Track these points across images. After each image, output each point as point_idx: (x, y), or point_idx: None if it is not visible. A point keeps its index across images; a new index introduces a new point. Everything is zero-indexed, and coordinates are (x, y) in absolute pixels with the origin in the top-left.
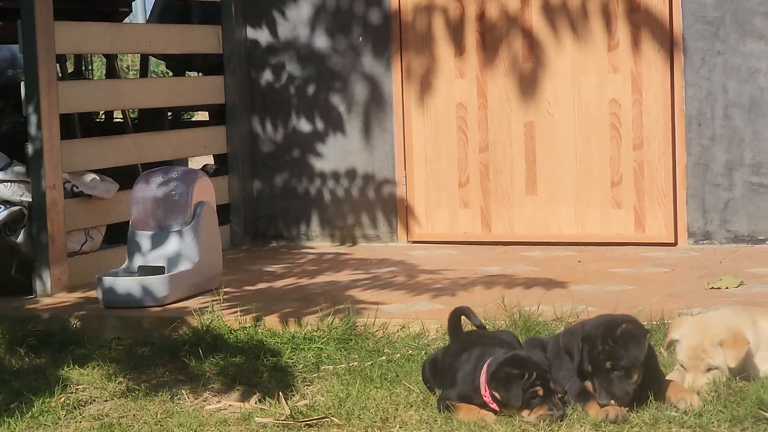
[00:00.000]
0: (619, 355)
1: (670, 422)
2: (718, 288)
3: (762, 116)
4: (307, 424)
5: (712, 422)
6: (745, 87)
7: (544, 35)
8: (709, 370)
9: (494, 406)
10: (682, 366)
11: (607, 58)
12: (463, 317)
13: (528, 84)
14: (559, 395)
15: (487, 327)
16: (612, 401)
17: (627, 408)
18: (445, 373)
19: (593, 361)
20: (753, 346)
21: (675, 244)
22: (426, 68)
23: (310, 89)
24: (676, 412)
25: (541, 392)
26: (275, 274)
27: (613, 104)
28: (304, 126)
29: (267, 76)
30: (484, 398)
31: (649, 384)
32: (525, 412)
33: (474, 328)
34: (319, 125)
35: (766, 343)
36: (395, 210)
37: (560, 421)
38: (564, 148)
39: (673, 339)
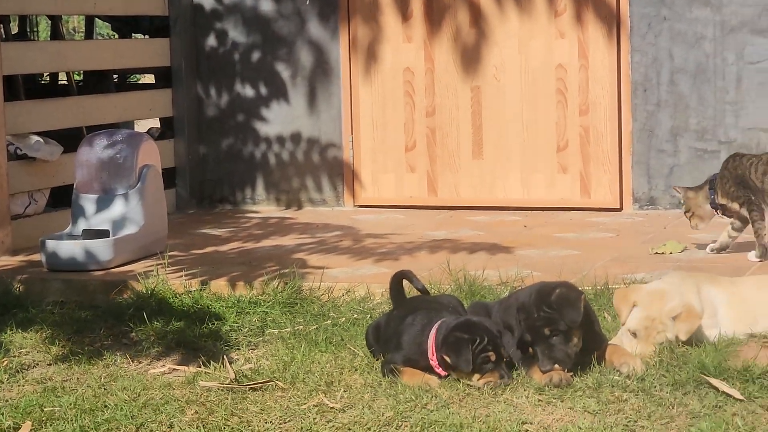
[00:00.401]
0: (556, 320)
1: (613, 386)
2: (662, 253)
3: (707, 82)
4: (251, 388)
5: (655, 386)
6: (691, 53)
7: (491, 1)
8: (659, 342)
9: (440, 370)
10: (633, 334)
11: (554, 24)
12: (405, 281)
13: (475, 49)
14: (505, 359)
15: (432, 291)
16: (555, 366)
17: (571, 373)
18: (390, 337)
19: (531, 330)
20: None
21: (620, 209)
22: (373, 33)
23: (256, 54)
24: (619, 376)
25: (493, 357)
26: (221, 238)
27: (559, 69)
28: (250, 90)
29: (212, 39)
30: (431, 363)
31: (591, 348)
32: (475, 377)
33: (417, 292)
34: (265, 90)
35: (710, 309)
36: (341, 174)
37: (506, 387)
38: (510, 113)
39: (634, 302)
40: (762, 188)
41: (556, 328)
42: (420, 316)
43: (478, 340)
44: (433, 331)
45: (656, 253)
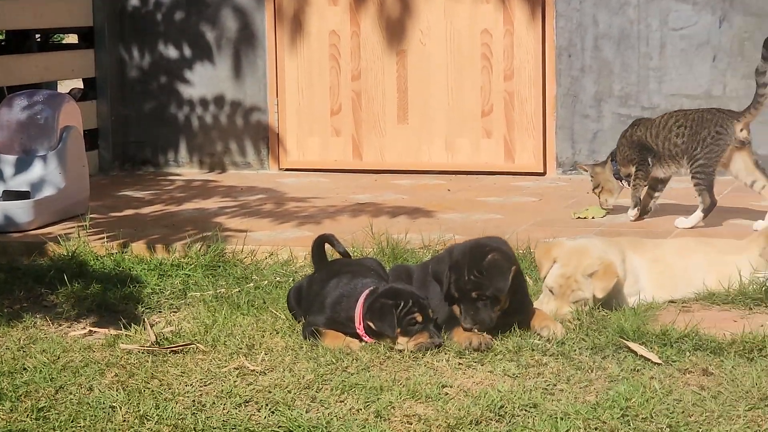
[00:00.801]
0: (484, 286)
1: (533, 350)
2: (584, 218)
3: (631, 48)
4: (172, 351)
5: (575, 350)
6: (615, 19)
7: None
8: (576, 300)
9: (368, 338)
10: (550, 291)
11: None
12: (327, 245)
13: (401, 13)
14: (433, 320)
15: (354, 254)
16: (476, 327)
17: (491, 336)
18: (313, 300)
19: (460, 290)
20: (621, 278)
21: (544, 173)
22: None
23: (180, 15)
24: (539, 339)
25: (420, 318)
26: (143, 200)
27: (485, 35)
28: (173, 52)
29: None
30: (358, 330)
31: (516, 311)
32: (404, 340)
33: (339, 255)
34: (189, 51)
35: (633, 276)
36: (266, 138)
37: (436, 348)
38: (436, 78)
39: (554, 259)
40: (660, 151)
41: (483, 294)
42: (344, 280)
43: (402, 304)
44: (361, 299)
45: (578, 217)
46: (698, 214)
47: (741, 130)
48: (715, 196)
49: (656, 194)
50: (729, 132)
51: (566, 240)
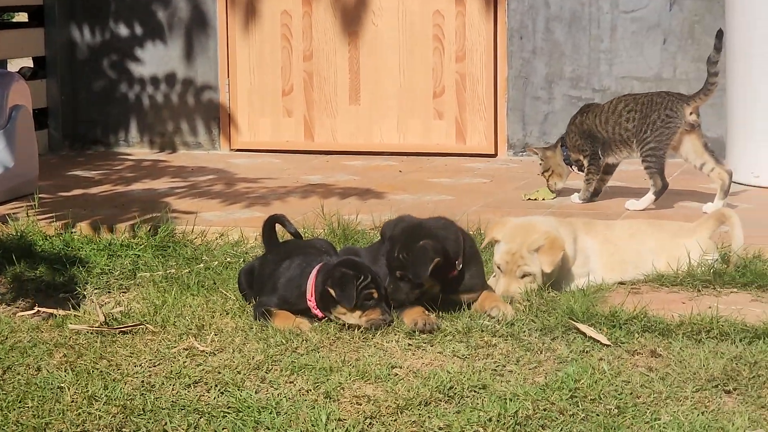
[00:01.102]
0: (406, 268)
1: (482, 331)
2: (535, 199)
3: (582, 30)
4: (121, 331)
5: (524, 331)
6: (566, 1)
7: None
8: (524, 276)
9: (318, 312)
10: (498, 268)
11: None
12: (278, 225)
13: None
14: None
15: (306, 235)
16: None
17: (435, 317)
18: (265, 280)
19: (388, 263)
20: (571, 258)
21: (495, 155)
22: None
23: None
24: (489, 321)
25: (375, 294)
26: (93, 180)
27: (437, 16)
28: (124, 30)
29: None
30: (309, 304)
31: (468, 289)
32: (357, 313)
33: (290, 236)
34: (140, 30)
35: (584, 256)
36: (217, 118)
37: (387, 326)
38: (387, 59)
39: (494, 239)
40: (611, 137)
41: (405, 275)
42: (297, 260)
43: (362, 278)
44: (314, 272)
45: (529, 199)
46: (650, 196)
47: (690, 113)
48: (666, 178)
49: (608, 178)
50: (679, 115)
51: (513, 218)
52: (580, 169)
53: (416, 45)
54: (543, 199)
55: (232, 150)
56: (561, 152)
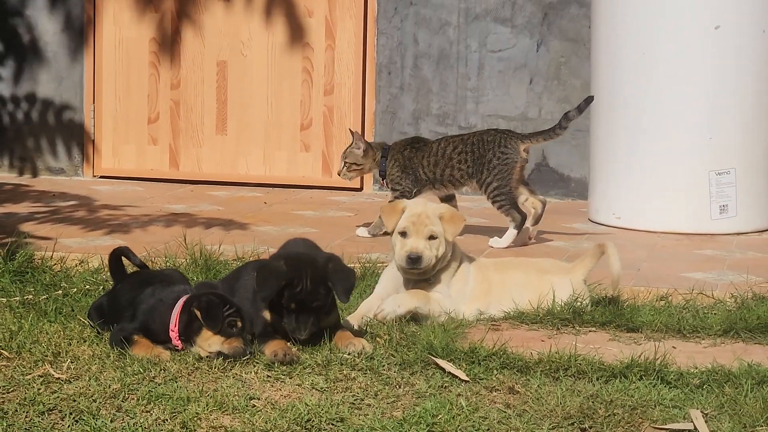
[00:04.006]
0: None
1: (342, 364)
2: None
3: (450, 68)
4: None
5: (383, 365)
6: (435, 39)
7: None
8: (431, 237)
9: (179, 342)
10: (403, 233)
11: (303, 2)
12: (124, 258)
13: (223, 22)
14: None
15: (167, 265)
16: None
17: (296, 350)
18: (123, 308)
19: (304, 298)
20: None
21: (361, 189)
22: (118, 0)
23: None
24: (348, 354)
25: (239, 324)
26: None
27: (306, 48)
28: None
29: None
30: (171, 334)
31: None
32: (219, 339)
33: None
34: (3, 50)
35: (463, 279)
36: (81, 143)
37: (247, 357)
38: (256, 90)
39: (403, 207)
40: (438, 179)
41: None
42: (156, 289)
43: (228, 306)
44: (180, 302)
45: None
46: (512, 231)
47: (524, 150)
48: (521, 209)
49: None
50: (514, 151)
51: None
52: (389, 186)
53: (285, 77)
54: None
55: (95, 176)
56: (379, 161)
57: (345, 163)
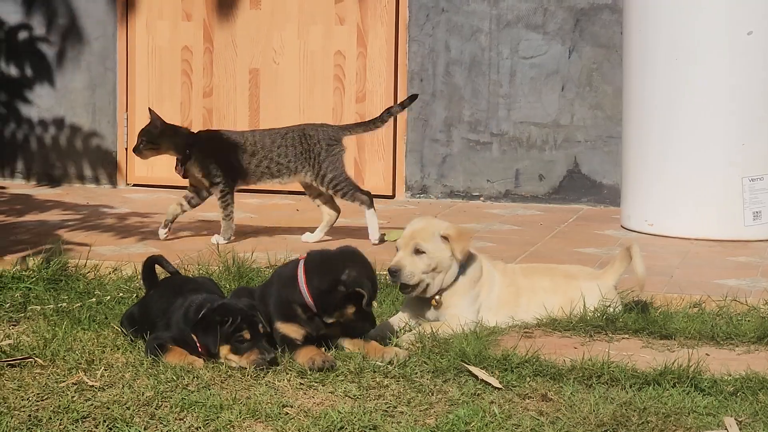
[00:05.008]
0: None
1: (374, 372)
2: (394, 240)
3: (482, 75)
4: (9, 364)
5: (416, 373)
6: (467, 46)
7: None
8: (417, 252)
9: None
10: (397, 248)
11: (334, 9)
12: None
13: (255, 30)
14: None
15: (200, 273)
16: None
17: (332, 357)
18: (155, 319)
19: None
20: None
21: (393, 196)
22: (151, 8)
23: (24, 34)
24: (381, 362)
25: (248, 335)
26: None
27: (338, 56)
28: (16, 64)
29: None
30: (198, 345)
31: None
32: (235, 357)
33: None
34: (36, 62)
35: (489, 285)
36: (115, 152)
37: (273, 365)
38: (288, 97)
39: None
40: (254, 171)
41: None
42: (190, 298)
43: (230, 321)
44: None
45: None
46: (368, 213)
47: (344, 140)
48: (364, 188)
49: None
50: (339, 140)
51: None
52: (192, 183)
53: (317, 84)
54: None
55: (128, 185)
56: (182, 147)
57: (141, 140)
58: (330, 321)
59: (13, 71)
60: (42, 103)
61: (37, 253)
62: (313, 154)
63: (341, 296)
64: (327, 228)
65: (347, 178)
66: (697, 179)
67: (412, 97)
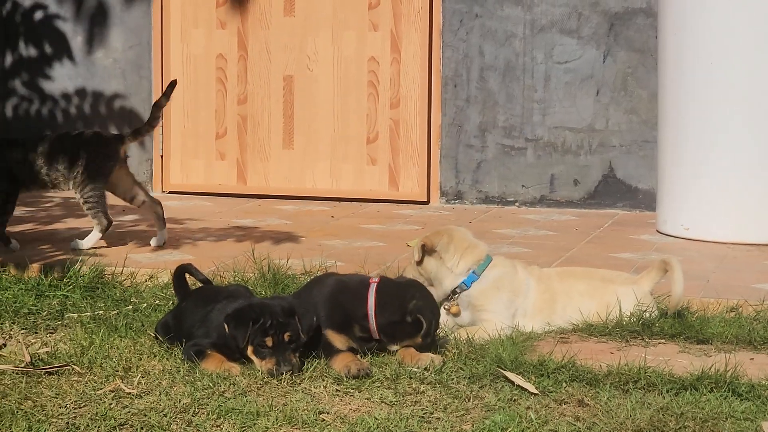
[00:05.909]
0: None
1: (411, 378)
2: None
3: (516, 80)
4: (47, 372)
5: (452, 379)
6: (501, 51)
7: None
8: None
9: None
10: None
11: (368, 16)
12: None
13: (289, 38)
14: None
15: (236, 279)
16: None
17: (368, 363)
18: (190, 327)
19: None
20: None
21: (428, 202)
22: (186, 16)
23: (67, 27)
24: (417, 368)
25: (269, 343)
26: (20, 218)
27: (372, 62)
28: (57, 68)
29: (24, 6)
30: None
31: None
32: (256, 360)
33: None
34: (76, 67)
35: (524, 291)
36: (150, 159)
37: (293, 375)
38: (322, 104)
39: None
40: (30, 178)
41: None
42: (228, 304)
43: (261, 322)
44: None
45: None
46: (96, 234)
47: (123, 151)
48: (110, 216)
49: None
50: (111, 151)
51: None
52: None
53: (351, 90)
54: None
55: (164, 192)
56: None
57: None
58: (394, 348)
59: (46, 77)
60: (77, 107)
61: (73, 260)
62: (79, 160)
63: (407, 326)
64: (163, 224)
65: (102, 196)
66: (734, 183)
67: (172, 84)
